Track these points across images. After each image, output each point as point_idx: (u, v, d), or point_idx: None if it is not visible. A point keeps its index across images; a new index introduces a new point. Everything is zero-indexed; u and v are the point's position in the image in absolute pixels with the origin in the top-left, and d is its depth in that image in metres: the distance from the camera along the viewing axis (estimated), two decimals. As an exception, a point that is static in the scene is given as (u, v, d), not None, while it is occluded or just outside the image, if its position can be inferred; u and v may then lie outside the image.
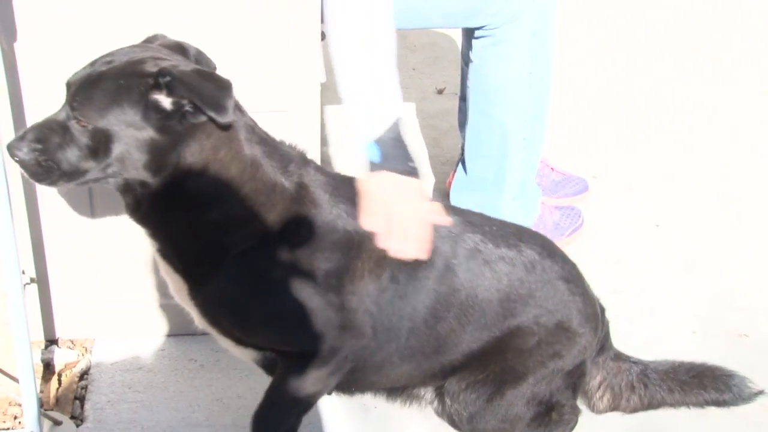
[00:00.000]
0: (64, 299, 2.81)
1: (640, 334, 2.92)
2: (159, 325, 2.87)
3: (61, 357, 2.80)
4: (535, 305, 2.41)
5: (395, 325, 2.29)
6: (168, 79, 1.96)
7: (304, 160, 2.26)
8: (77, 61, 2.11)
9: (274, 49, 2.58)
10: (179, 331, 2.86)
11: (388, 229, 2.25)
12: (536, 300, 2.41)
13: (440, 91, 4.19)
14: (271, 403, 2.31)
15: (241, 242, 2.14)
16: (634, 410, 2.64)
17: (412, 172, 2.38)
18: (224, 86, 1.99)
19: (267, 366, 2.34)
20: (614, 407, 2.63)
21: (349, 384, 2.40)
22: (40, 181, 2.08)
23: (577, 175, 3.63)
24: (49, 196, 2.68)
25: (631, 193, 3.66)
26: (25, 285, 2.66)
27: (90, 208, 2.72)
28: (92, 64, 2.06)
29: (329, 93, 3.97)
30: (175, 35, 2.22)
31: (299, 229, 2.17)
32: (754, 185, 3.72)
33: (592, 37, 4.76)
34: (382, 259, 2.25)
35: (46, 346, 2.82)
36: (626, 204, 3.60)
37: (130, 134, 2.00)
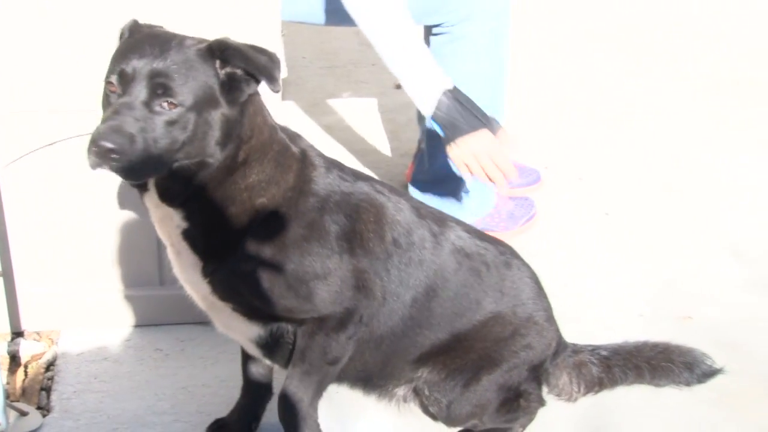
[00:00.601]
0: (30, 292, 2.74)
1: (591, 317, 2.91)
2: (124, 316, 2.80)
3: (27, 349, 2.73)
4: (513, 296, 2.47)
5: (401, 292, 2.30)
6: (227, 51, 1.97)
7: (295, 132, 2.26)
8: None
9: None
10: (145, 321, 2.81)
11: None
12: (513, 291, 2.47)
13: (399, 86, 4.16)
14: (299, 379, 2.24)
15: (270, 203, 2.11)
16: (602, 390, 2.63)
17: (482, 123, 2.64)
18: (274, 57, 2.01)
19: (265, 345, 2.26)
20: (585, 394, 2.62)
21: (355, 361, 2.32)
22: (134, 174, 1.94)
23: (530, 167, 3.61)
24: (12, 191, 2.62)
25: (581, 183, 3.65)
26: None
27: (53, 202, 2.65)
28: (141, 51, 1.94)
29: (291, 88, 3.96)
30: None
31: (310, 189, 2.17)
32: (697, 176, 3.73)
33: (546, 36, 4.80)
34: (382, 221, 2.26)
35: (12, 339, 2.76)
36: (577, 193, 3.59)
37: (211, 111, 1.97)
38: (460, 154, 2.69)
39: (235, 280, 2.13)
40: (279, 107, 2.64)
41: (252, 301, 2.15)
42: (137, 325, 2.81)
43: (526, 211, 3.33)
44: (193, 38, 2.01)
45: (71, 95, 2.52)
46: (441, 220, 2.42)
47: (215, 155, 1.99)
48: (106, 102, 1.95)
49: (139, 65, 1.91)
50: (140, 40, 1.98)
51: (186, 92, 1.92)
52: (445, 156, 3.10)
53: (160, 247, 2.69)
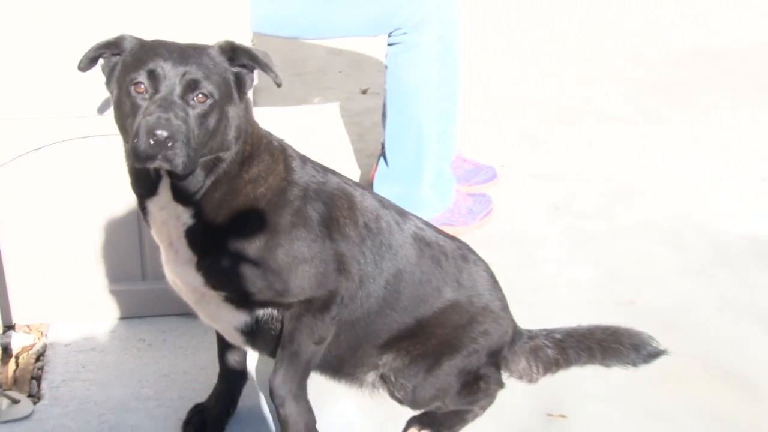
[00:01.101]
0: (20, 287, 2.74)
1: (544, 303, 2.94)
2: (110, 309, 2.81)
3: (18, 341, 2.73)
4: (470, 287, 2.49)
5: (375, 274, 2.31)
6: (236, 50, 2.02)
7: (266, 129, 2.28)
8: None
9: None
10: (128, 314, 2.82)
11: None
12: (470, 282, 2.50)
13: (364, 91, 4.19)
14: (288, 360, 2.25)
15: (267, 193, 2.13)
16: (558, 371, 2.66)
17: None
18: (268, 55, 2.06)
19: (249, 333, 2.26)
20: (544, 375, 2.65)
21: (330, 345, 2.33)
22: (183, 164, 1.89)
23: (487, 165, 3.64)
24: (2, 193, 2.62)
25: (534, 179, 3.68)
26: None
27: (41, 204, 2.66)
28: (163, 54, 1.95)
29: (263, 94, 3.97)
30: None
31: (293, 179, 2.19)
32: (638, 173, 3.77)
33: (500, 42, 4.82)
34: (353, 208, 2.29)
35: (4, 331, 2.76)
36: (530, 189, 3.62)
37: (229, 106, 2.01)
38: None
39: (232, 269, 2.13)
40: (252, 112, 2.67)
41: (246, 287, 2.15)
42: (121, 318, 2.81)
43: (484, 206, 3.36)
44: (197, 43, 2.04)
45: (54, 104, 2.54)
46: (401, 212, 2.46)
47: (230, 149, 2.02)
48: (131, 103, 1.93)
49: (167, 66, 1.91)
50: (154, 46, 1.99)
51: (213, 86, 1.95)
52: (405, 155, 3.15)
53: (142, 244, 2.73)
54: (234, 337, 2.31)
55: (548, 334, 2.67)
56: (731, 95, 4.31)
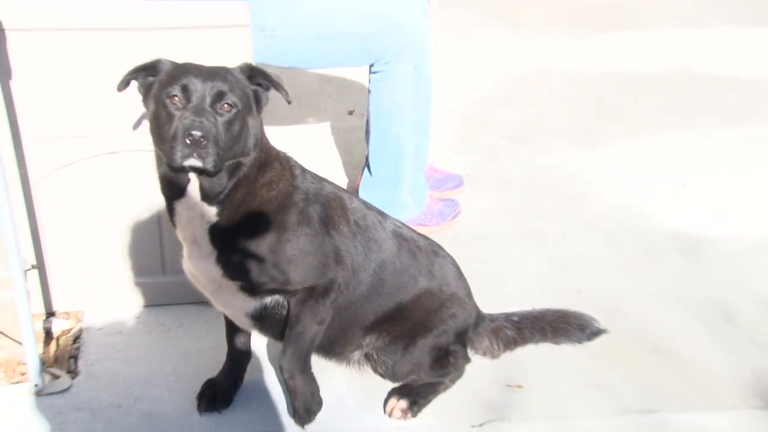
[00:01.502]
0: (59, 280, 2.78)
1: (503, 292, 2.96)
2: (135, 298, 2.85)
3: (58, 325, 2.77)
4: (440, 277, 2.52)
5: (365, 264, 2.35)
6: (253, 70, 2.09)
7: None
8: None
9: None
10: (151, 302, 2.85)
11: None
12: (440, 273, 2.53)
13: (351, 113, 4.20)
14: (295, 339, 2.29)
15: (278, 196, 2.17)
16: (516, 348, 2.70)
17: None
18: (280, 78, 2.12)
19: (258, 318, 2.29)
20: (504, 351, 2.68)
21: (328, 327, 2.36)
22: (214, 162, 1.94)
23: (455, 174, 3.67)
24: (43, 200, 2.65)
25: (494, 186, 3.71)
26: (26, 271, 2.65)
27: (74, 208, 2.69)
28: (193, 72, 2.01)
29: (266, 115, 3.98)
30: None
31: (297, 185, 2.23)
32: (581, 181, 3.80)
33: (467, 74, 4.82)
34: (345, 209, 2.33)
35: (47, 318, 2.78)
36: (491, 195, 3.65)
37: (249, 117, 2.05)
38: None
39: (248, 261, 2.16)
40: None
41: (260, 277, 2.18)
42: (145, 306, 2.84)
43: (452, 209, 3.39)
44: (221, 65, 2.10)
45: (85, 125, 2.57)
46: (381, 213, 2.50)
47: (249, 155, 2.06)
48: (167, 113, 1.97)
49: (198, 81, 1.97)
50: (185, 66, 2.03)
51: (236, 98, 2.00)
52: (386, 166, 3.17)
53: (162, 244, 2.77)
54: (243, 322, 2.34)
55: (507, 317, 2.71)
56: (657, 114, 4.35)
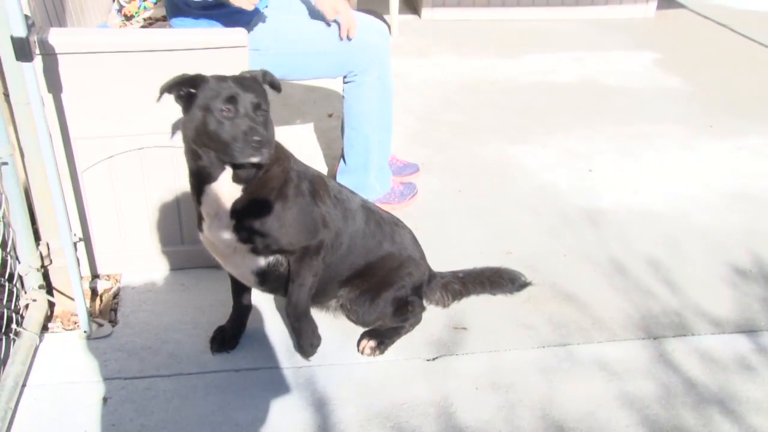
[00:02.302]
0: (102, 249, 2.71)
1: (449, 255, 2.93)
2: (161, 264, 2.78)
3: (101, 286, 2.70)
4: (399, 243, 2.49)
5: (344, 229, 2.31)
6: (266, 75, 2.10)
7: None
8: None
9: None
10: (173, 267, 2.78)
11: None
12: (400, 239, 2.50)
13: (330, 115, 4.13)
14: (297, 289, 2.25)
15: (285, 176, 2.13)
16: (462, 298, 2.67)
17: None
18: (279, 81, 2.14)
19: (261, 275, 2.24)
20: (453, 302, 2.66)
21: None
22: (269, 156, 1.97)
23: (412, 162, 3.61)
24: (89, 187, 2.58)
25: (444, 173, 3.66)
26: (75, 243, 2.60)
27: (112, 193, 2.62)
28: (235, 86, 1.97)
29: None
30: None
31: (293, 167, 2.20)
32: (511, 167, 3.76)
33: (422, 83, 4.76)
34: (326, 185, 2.30)
35: (92, 279, 2.72)
36: (442, 179, 3.60)
37: (269, 116, 2.02)
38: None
39: (260, 226, 2.11)
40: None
41: (267, 239, 2.13)
42: (170, 269, 2.78)
43: (411, 190, 3.34)
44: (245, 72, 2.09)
45: (119, 127, 2.50)
46: (350, 191, 2.45)
47: (272, 146, 2.01)
48: (218, 120, 1.93)
49: (240, 94, 1.94)
50: (224, 80, 1.99)
51: (266, 103, 1.99)
52: (357, 157, 3.11)
53: (180, 220, 2.70)
54: (249, 279, 2.29)
55: (454, 274, 2.68)
56: (568, 115, 4.34)
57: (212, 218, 2.13)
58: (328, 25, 2.88)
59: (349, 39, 2.82)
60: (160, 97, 2.00)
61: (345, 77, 3.00)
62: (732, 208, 3.40)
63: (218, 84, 1.97)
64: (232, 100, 1.93)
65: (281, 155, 2.16)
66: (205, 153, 2.01)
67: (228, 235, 2.13)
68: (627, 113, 4.39)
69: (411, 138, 3.95)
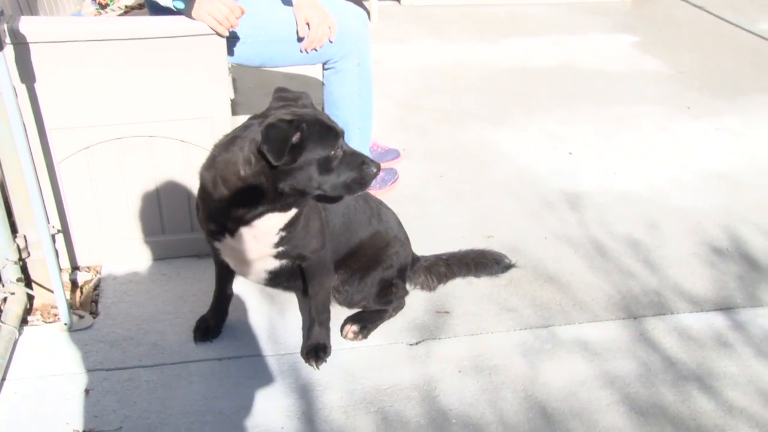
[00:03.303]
0: (82, 240, 2.67)
1: (432, 239, 2.90)
2: (142, 254, 2.74)
3: (81, 277, 2.67)
4: (386, 222, 2.48)
5: (331, 225, 2.28)
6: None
7: None
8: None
9: (202, 79, 2.48)
10: (155, 257, 2.74)
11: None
12: (386, 218, 2.49)
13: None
14: (321, 291, 2.27)
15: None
16: (448, 281, 2.66)
17: None
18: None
19: (274, 274, 2.21)
20: (438, 284, 2.64)
21: None
22: None
23: (393, 148, 3.59)
24: (66, 178, 2.54)
25: (425, 158, 3.65)
26: (54, 234, 2.57)
27: (90, 183, 2.58)
28: (321, 121, 1.93)
29: (241, 107, 3.88)
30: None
31: None
32: (492, 151, 3.74)
33: (402, 69, 4.73)
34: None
35: (72, 271, 2.68)
36: (423, 165, 3.58)
37: None
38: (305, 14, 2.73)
39: (295, 240, 2.10)
40: (233, 121, 2.60)
41: (297, 250, 2.13)
42: (151, 260, 2.74)
43: (392, 176, 3.32)
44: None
45: (95, 117, 2.45)
46: None
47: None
48: (335, 167, 1.92)
49: (334, 128, 1.95)
50: (321, 120, 1.94)
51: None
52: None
53: (161, 211, 2.66)
54: (260, 278, 2.25)
55: (438, 257, 2.67)
56: (548, 99, 4.33)
57: (255, 237, 2.04)
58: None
59: (307, 52, 2.77)
60: (280, 159, 1.82)
61: (324, 64, 2.96)
62: (710, 188, 3.42)
63: (317, 125, 1.89)
64: (337, 139, 1.90)
65: None
66: (299, 194, 1.93)
67: (267, 250, 2.09)
68: (606, 96, 4.39)
69: (392, 124, 3.93)
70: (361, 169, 1.94)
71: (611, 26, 5.65)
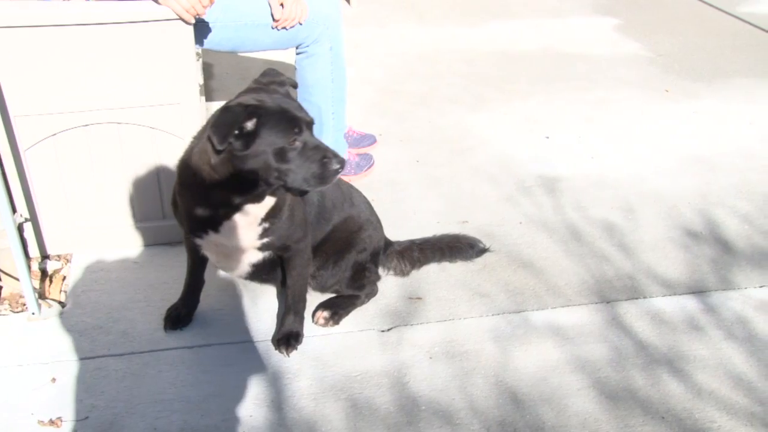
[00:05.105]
0: (51, 229, 2.64)
1: (408, 225, 2.91)
2: (114, 243, 2.71)
3: (51, 266, 2.64)
4: (357, 206, 2.46)
5: (311, 213, 2.28)
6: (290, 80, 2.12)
7: None
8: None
9: (171, 67, 2.45)
10: (126, 246, 2.71)
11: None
12: (357, 202, 2.47)
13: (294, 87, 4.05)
14: (300, 280, 2.26)
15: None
16: (421, 266, 2.65)
17: None
18: None
19: (256, 266, 2.20)
20: (411, 269, 2.63)
21: None
22: None
23: (369, 133, 3.57)
24: (34, 166, 2.50)
25: (401, 143, 3.63)
26: (22, 223, 2.54)
27: (59, 172, 2.54)
28: (283, 109, 1.88)
29: (216, 93, 3.83)
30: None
31: None
32: (469, 136, 3.72)
33: (378, 54, 4.69)
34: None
35: (42, 260, 2.66)
36: (399, 150, 3.56)
37: None
38: None
39: (280, 230, 2.09)
40: (207, 108, 2.57)
41: (282, 240, 2.12)
42: (122, 248, 2.71)
43: (367, 162, 3.31)
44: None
45: (63, 103, 2.41)
46: None
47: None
48: (292, 158, 1.88)
49: (299, 117, 1.89)
50: (284, 108, 1.88)
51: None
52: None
53: (131, 197, 2.63)
54: (243, 270, 2.23)
55: (412, 242, 2.66)
56: (526, 83, 4.32)
57: (238, 229, 2.03)
58: None
59: (278, 30, 2.74)
60: (223, 144, 1.78)
61: (297, 48, 2.93)
62: (686, 171, 3.42)
63: (277, 114, 1.84)
64: (298, 129, 1.83)
65: None
66: (264, 184, 1.90)
67: (252, 242, 2.07)
68: (585, 79, 4.38)
69: (369, 109, 3.90)
70: (323, 164, 1.87)
71: (593, 9, 5.64)
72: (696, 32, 5.24)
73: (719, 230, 2.99)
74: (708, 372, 2.27)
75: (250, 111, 1.80)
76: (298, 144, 1.86)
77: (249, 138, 1.82)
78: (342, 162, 1.89)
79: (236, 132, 1.80)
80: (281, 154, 1.85)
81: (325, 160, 1.88)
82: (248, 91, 1.99)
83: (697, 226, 3.01)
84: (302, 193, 2.03)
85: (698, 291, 2.63)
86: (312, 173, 1.88)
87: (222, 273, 2.52)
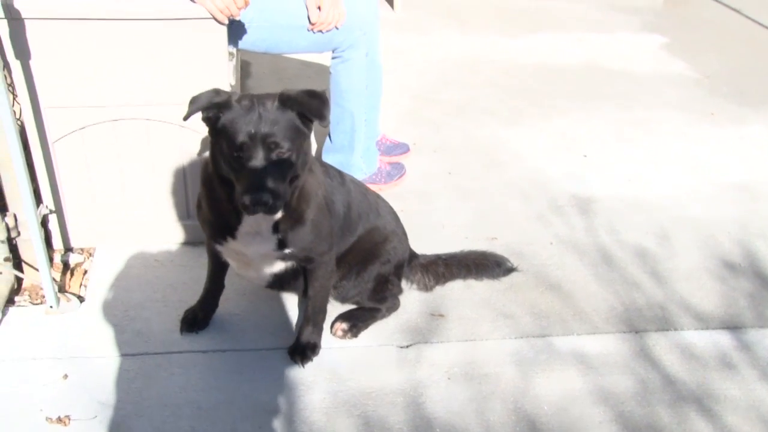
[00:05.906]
0: (76, 222, 2.64)
1: (434, 238, 2.85)
2: (135, 239, 2.70)
3: (73, 259, 2.63)
4: (383, 216, 2.42)
5: (335, 226, 2.22)
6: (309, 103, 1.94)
7: None
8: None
9: (203, 66, 2.43)
10: (147, 242, 2.70)
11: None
12: (383, 213, 2.43)
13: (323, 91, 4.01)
14: (321, 291, 2.23)
15: (319, 190, 2.11)
16: (446, 282, 2.60)
17: None
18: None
19: (279, 275, 2.18)
20: (435, 285, 2.58)
21: None
22: (274, 211, 1.88)
23: (403, 142, 3.52)
24: (62, 158, 2.50)
25: (435, 153, 3.57)
26: (47, 215, 2.54)
27: (85, 165, 2.54)
28: (248, 112, 1.83)
29: (254, 92, 3.80)
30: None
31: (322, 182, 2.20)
32: (504, 150, 3.65)
33: (417, 60, 4.65)
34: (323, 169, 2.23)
35: (65, 252, 2.65)
36: (432, 160, 3.50)
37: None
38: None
39: (298, 240, 2.05)
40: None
41: (304, 251, 2.09)
42: (145, 245, 2.69)
43: (399, 171, 3.25)
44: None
45: (94, 97, 2.41)
46: (338, 170, 2.37)
47: (282, 198, 1.87)
48: (231, 166, 1.84)
49: (255, 133, 1.79)
50: (250, 110, 1.81)
51: (288, 141, 1.83)
52: (342, 135, 3.00)
53: (157, 195, 2.60)
54: (265, 279, 2.21)
55: (438, 256, 2.60)
56: (566, 99, 4.23)
57: (253, 236, 2.02)
58: None
59: (315, 32, 2.69)
60: (185, 116, 1.84)
61: (332, 52, 2.89)
62: (727, 199, 3.29)
63: (239, 117, 1.79)
64: (242, 144, 1.76)
65: (311, 164, 2.06)
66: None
67: (268, 250, 2.05)
68: (627, 98, 4.27)
69: (403, 117, 3.85)
70: (243, 191, 1.77)
71: (640, 26, 5.50)
72: (747, 54, 5.07)
73: (759, 263, 2.86)
74: (739, 414, 2.16)
75: (219, 103, 1.83)
76: (235, 162, 1.80)
77: (214, 127, 1.86)
78: (254, 203, 1.75)
79: (209, 115, 1.86)
80: (225, 158, 1.83)
81: (245, 191, 1.76)
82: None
83: (736, 257, 2.89)
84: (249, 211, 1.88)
85: (733, 326, 2.51)
86: (239, 195, 1.79)
87: (243, 278, 2.49)
